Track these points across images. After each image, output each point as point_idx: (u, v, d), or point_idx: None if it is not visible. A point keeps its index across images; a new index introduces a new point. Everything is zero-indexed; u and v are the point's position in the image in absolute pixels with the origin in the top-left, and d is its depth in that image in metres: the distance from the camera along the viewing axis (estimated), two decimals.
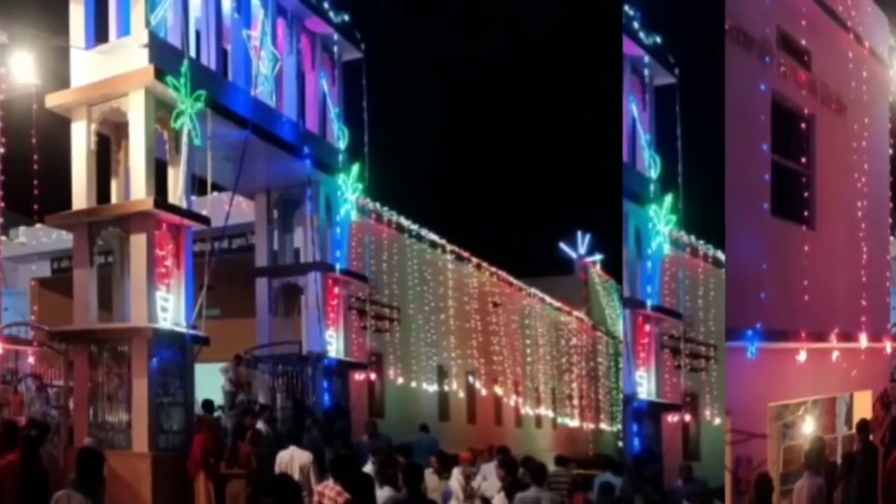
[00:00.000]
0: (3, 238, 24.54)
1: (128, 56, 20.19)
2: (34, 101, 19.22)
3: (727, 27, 14.57)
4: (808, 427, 17.23)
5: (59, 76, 20.18)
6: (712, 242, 25.83)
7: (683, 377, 26.07)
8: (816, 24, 16.97)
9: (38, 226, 32.01)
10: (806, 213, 16.73)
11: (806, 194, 16.87)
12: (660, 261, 26.29)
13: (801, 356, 15.74)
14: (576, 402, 47.54)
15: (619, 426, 47.71)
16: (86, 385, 20.20)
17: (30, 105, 19.11)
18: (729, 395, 15.69)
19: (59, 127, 20.52)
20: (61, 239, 30.49)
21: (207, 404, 22.09)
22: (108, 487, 17.70)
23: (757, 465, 14.92)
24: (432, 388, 33.96)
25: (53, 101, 20.32)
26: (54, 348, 21.18)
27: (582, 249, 52.50)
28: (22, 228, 34.53)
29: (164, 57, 20.39)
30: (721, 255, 25.09)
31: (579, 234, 52.91)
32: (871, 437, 16.57)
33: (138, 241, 20.14)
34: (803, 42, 16.57)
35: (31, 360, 21.07)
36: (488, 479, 16.93)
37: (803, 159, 16.90)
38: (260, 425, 20.89)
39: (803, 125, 16.89)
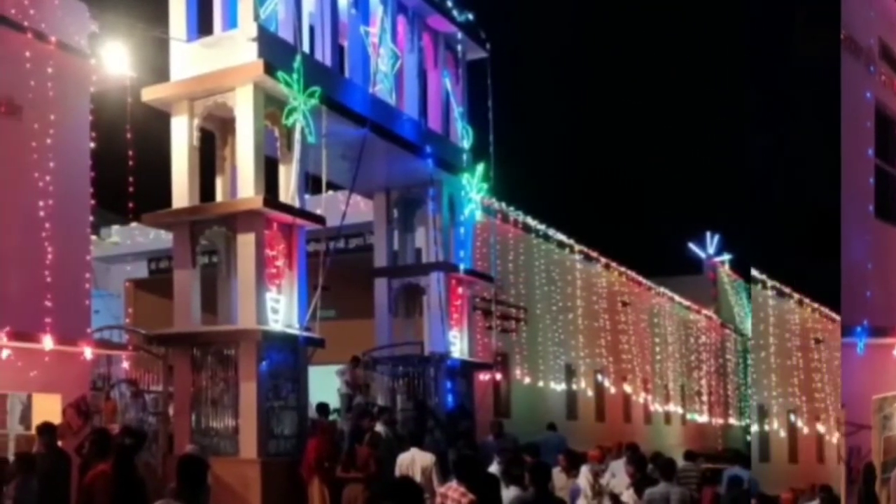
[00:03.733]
0: (95, 238, 22.13)
1: (234, 49, 17.58)
2: (128, 94, 16.70)
3: (842, 37, 14.56)
4: None
5: (155, 68, 17.67)
6: None
7: None
8: None
9: (133, 224, 29.42)
10: None
11: None
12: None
13: None
14: (704, 398, 45.21)
15: (748, 420, 45.59)
16: (187, 390, 17.63)
17: (123, 98, 16.60)
18: (844, 389, 16.10)
19: (154, 121, 18.05)
20: (159, 238, 27.97)
21: (322, 407, 19.58)
22: (213, 495, 15.32)
23: (864, 456, 14.90)
24: (560, 387, 31.40)
25: (151, 94, 17.73)
26: (152, 352, 18.56)
27: (711, 249, 49.94)
28: (115, 227, 31.85)
29: (275, 51, 17.76)
30: None
31: (708, 234, 50.60)
32: None
33: (246, 241, 17.51)
34: None
35: (125, 364, 18.52)
36: (617, 475, 16.17)
37: None
38: (379, 427, 18.59)
39: None
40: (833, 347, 37.46)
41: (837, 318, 39.69)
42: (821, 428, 35.45)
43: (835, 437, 37.61)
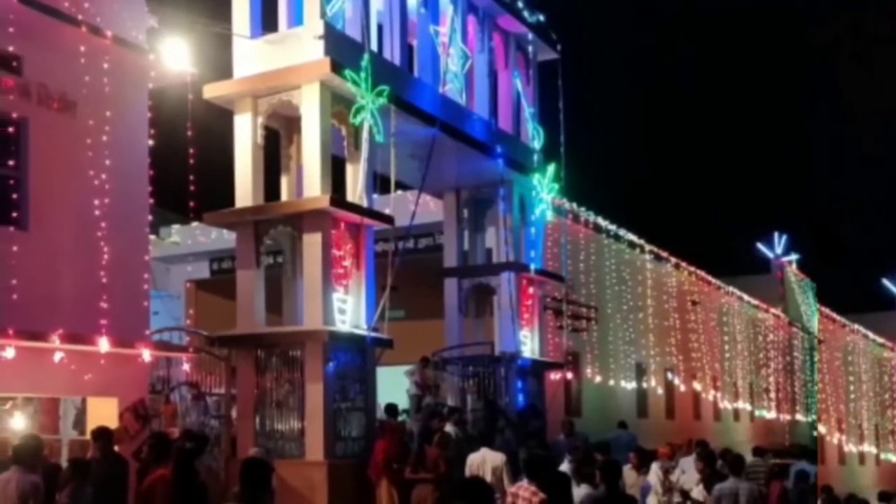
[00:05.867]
0: (154, 237, 20.72)
1: (300, 47, 16.13)
2: (188, 90, 15.26)
3: None
4: None
5: (216, 65, 16.25)
6: None
7: None
8: None
9: (194, 224, 27.56)
10: None
11: None
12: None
13: None
14: (772, 395, 42.99)
15: (814, 416, 43.52)
16: (251, 392, 16.19)
17: (183, 95, 15.18)
18: None
19: (216, 119, 16.64)
20: (221, 238, 26.35)
21: (391, 408, 18.22)
22: (278, 499, 14.00)
23: None
24: (630, 385, 29.60)
25: (213, 91, 16.30)
26: (214, 354, 17.10)
27: (778, 249, 47.75)
28: (175, 227, 30.19)
29: (342, 49, 16.28)
30: None
31: (776, 234, 48.21)
32: None
33: (312, 241, 16.04)
34: None
35: (185, 367, 17.10)
36: (687, 472, 15.71)
37: None
38: (449, 428, 17.24)
39: None
40: (833, 348, 36.01)
41: (839, 318, 38.99)
42: (822, 429, 33.94)
43: (835, 438, 36.70)
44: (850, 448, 38.39)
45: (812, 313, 46.96)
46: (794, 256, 48.03)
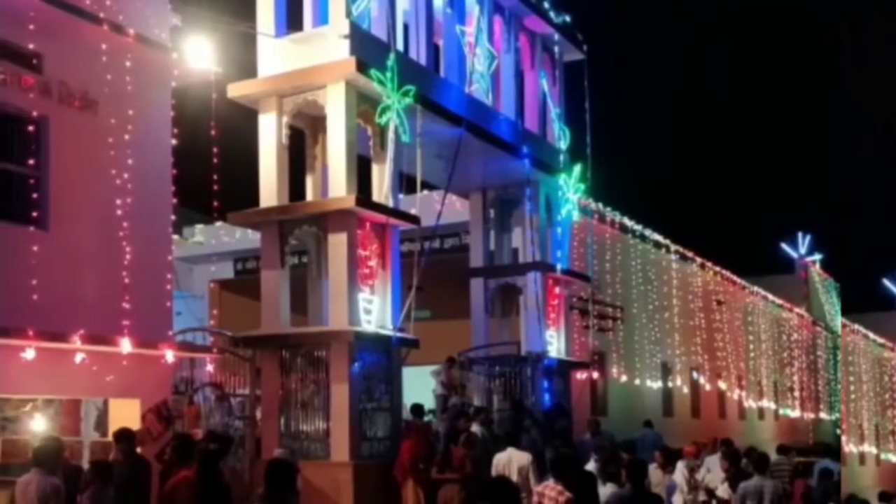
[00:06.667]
0: (177, 237, 20.20)
1: (325, 46, 15.63)
2: (212, 89, 14.77)
3: None
4: None
5: (240, 64, 15.77)
6: None
7: None
8: None
9: (218, 224, 26.86)
10: None
11: None
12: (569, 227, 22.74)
13: None
14: (796, 393, 42.51)
15: (839, 415, 42.84)
16: (276, 393, 15.71)
17: (206, 94, 14.68)
18: None
19: (240, 118, 16.15)
20: (245, 238, 25.77)
21: (417, 408, 17.76)
22: (303, 500, 13.53)
23: None
24: (656, 384, 28.96)
25: (238, 90, 15.82)
26: (238, 355, 16.56)
27: (802, 249, 47.28)
28: (199, 227, 29.54)
29: (367, 49, 15.78)
30: None
31: (800, 234, 47.98)
32: None
33: (338, 241, 15.55)
34: None
35: (209, 367, 16.58)
36: (712, 470, 15.29)
37: None
38: (475, 428, 16.71)
39: None
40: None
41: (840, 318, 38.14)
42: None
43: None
44: (851, 448, 37.84)
45: (835, 313, 46.51)
46: (817, 256, 47.54)
